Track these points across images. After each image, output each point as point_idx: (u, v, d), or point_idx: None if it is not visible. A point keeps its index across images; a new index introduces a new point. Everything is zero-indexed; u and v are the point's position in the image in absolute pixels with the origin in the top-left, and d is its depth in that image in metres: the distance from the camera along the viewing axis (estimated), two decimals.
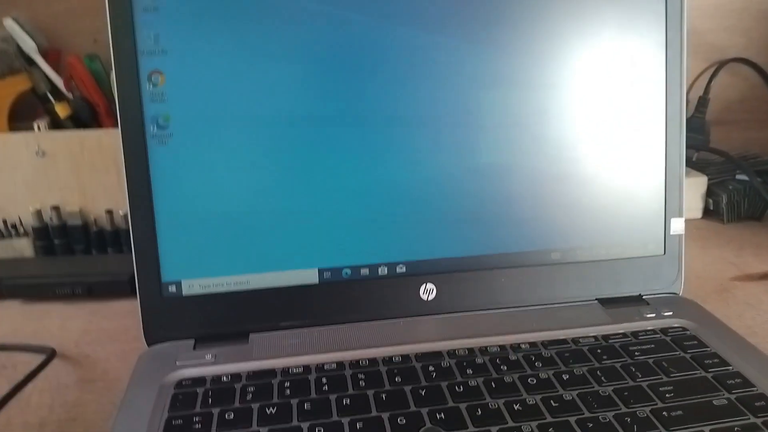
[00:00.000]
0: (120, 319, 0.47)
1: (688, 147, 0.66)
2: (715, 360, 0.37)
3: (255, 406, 0.34)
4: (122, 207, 0.57)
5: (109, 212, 0.57)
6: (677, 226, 0.45)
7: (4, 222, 0.56)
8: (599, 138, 0.43)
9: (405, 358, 0.38)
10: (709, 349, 0.39)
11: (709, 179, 0.65)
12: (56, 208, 0.56)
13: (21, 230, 0.57)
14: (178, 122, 0.39)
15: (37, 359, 0.41)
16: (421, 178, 0.42)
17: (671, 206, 0.45)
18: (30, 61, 0.57)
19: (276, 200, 0.40)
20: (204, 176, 0.40)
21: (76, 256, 0.56)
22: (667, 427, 0.32)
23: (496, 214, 0.43)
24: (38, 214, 0.56)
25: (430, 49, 0.41)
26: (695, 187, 0.64)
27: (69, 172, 0.56)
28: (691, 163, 0.67)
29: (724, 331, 0.41)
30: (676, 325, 0.41)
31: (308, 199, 0.41)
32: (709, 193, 0.65)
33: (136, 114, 0.39)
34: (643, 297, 0.45)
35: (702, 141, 0.68)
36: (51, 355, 0.41)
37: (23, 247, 0.57)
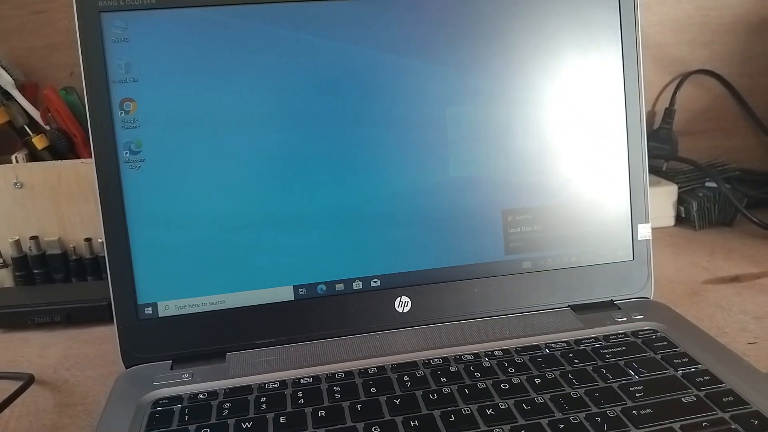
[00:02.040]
0: (99, 344, 0.47)
1: (657, 157, 0.68)
2: (685, 359, 0.38)
3: (231, 421, 0.34)
4: (101, 235, 0.57)
5: (88, 240, 0.57)
6: (644, 231, 0.46)
7: None
8: (563, 149, 0.44)
9: (380, 369, 0.39)
10: (678, 348, 0.39)
11: (679, 187, 0.66)
12: (35, 238, 0.56)
13: (0, 261, 0.57)
14: (150, 147, 0.40)
15: (15, 386, 0.41)
16: (392, 193, 0.43)
17: (637, 212, 0.46)
18: (7, 96, 0.58)
19: (249, 220, 0.41)
20: (177, 199, 0.40)
21: (55, 285, 0.56)
22: (636, 425, 0.32)
23: (466, 225, 0.44)
24: (17, 244, 0.56)
25: (398, 70, 0.42)
26: (666, 196, 0.66)
27: (47, 202, 0.56)
28: (661, 173, 0.68)
29: (694, 332, 0.42)
30: (646, 328, 0.42)
31: (281, 218, 0.42)
32: (680, 201, 0.66)
33: (109, 141, 0.40)
34: (615, 302, 0.46)
35: (670, 151, 0.69)
36: (29, 380, 0.41)
37: (3, 277, 0.57)
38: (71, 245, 0.57)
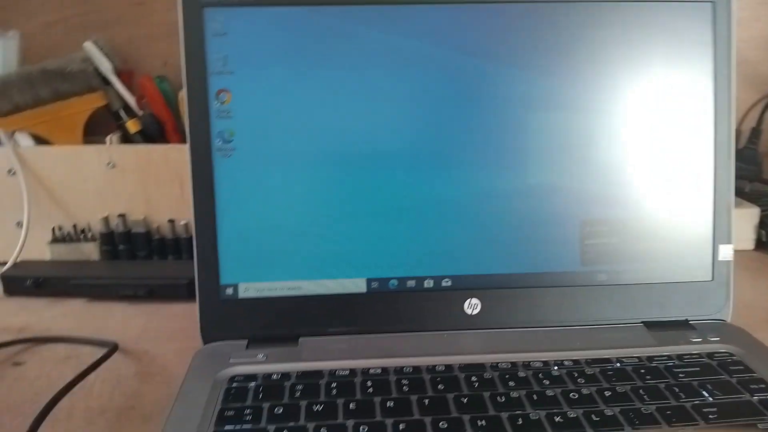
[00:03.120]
0: (178, 320, 0.50)
1: (740, 178, 0.66)
2: (762, 385, 0.37)
3: (303, 403, 0.35)
4: (183, 217, 0.60)
5: (171, 221, 0.60)
6: (726, 252, 0.45)
7: (74, 227, 0.60)
8: (647, 162, 0.44)
9: (448, 367, 0.39)
10: (755, 374, 0.38)
11: (761, 211, 0.64)
12: (122, 216, 0.60)
13: (89, 235, 0.60)
14: (241, 137, 0.42)
15: (100, 352, 0.43)
16: (472, 195, 0.43)
17: (720, 232, 0.45)
18: (105, 81, 0.61)
19: (329, 212, 0.43)
20: (263, 187, 0.42)
21: (138, 261, 0.59)
22: None
23: (543, 233, 0.44)
24: (106, 220, 0.60)
25: (484, 73, 0.42)
26: (748, 218, 0.64)
27: (136, 183, 0.59)
28: (743, 194, 0.66)
29: None
30: (722, 350, 0.41)
31: (360, 212, 0.43)
32: (762, 224, 0.64)
33: (203, 129, 0.41)
34: (690, 322, 0.45)
35: (754, 172, 0.67)
36: (113, 348, 0.44)
37: (90, 250, 0.60)
38: (155, 225, 0.60)
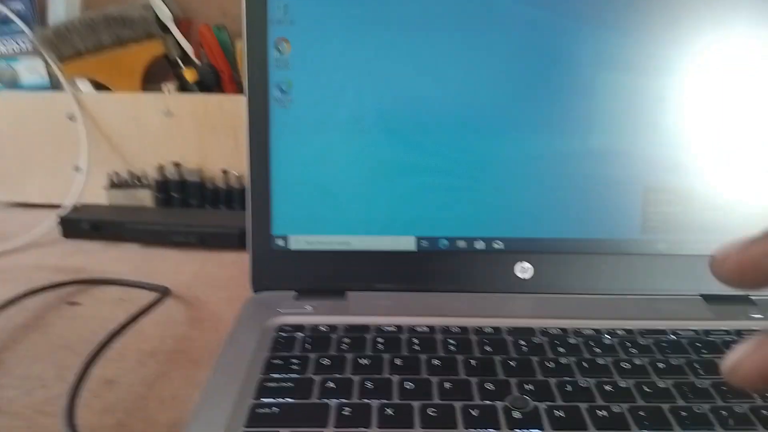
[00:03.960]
0: (228, 269, 0.50)
1: None
2: None
3: (349, 356, 0.35)
4: (237, 168, 0.60)
5: (225, 172, 0.60)
6: None
7: (130, 173, 0.61)
8: (718, 129, 0.42)
9: (496, 330, 0.38)
10: None
11: None
12: (177, 165, 0.60)
13: (144, 182, 0.61)
14: (299, 89, 0.41)
15: (153, 296, 0.44)
16: (530, 156, 0.42)
17: None
18: (164, 29, 0.61)
19: (382, 169, 0.42)
20: (317, 141, 0.42)
21: (191, 209, 0.60)
22: (766, 426, 0.31)
23: (603, 198, 0.42)
24: (161, 168, 0.61)
25: (551, 31, 0.40)
26: None
27: (191, 133, 0.60)
28: None
29: None
30: None
31: (413, 169, 0.42)
32: None
33: (261, 78, 0.41)
34: (751, 297, 0.43)
35: None
36: (165, 292, 0.44)
37: (144, 197, 0.61)
38: (209, 175, 0.61)
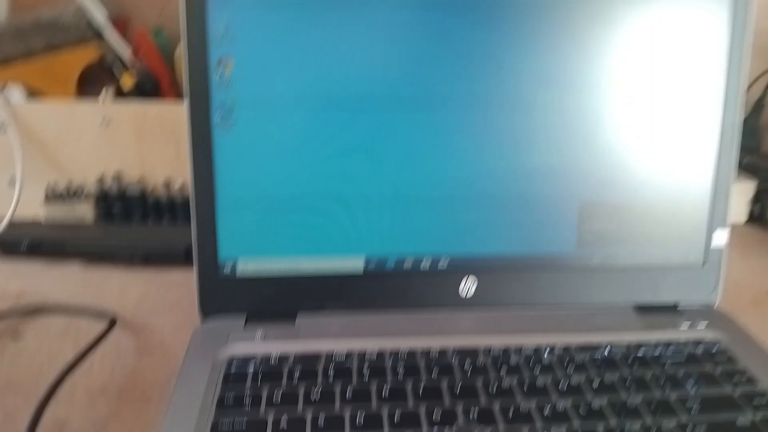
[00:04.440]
0: (175, 289, 0.50)
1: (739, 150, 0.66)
2: (744, 377, 0.38)
3: (300, 390, 0.36)
4: (179, 178, 0.59)
5: (167, 183, 0.59)
6: (720, 237, 0.45)
7: (68, 186, 0.60)
8: (651, 146, 0.43)
9: (442, 351, 0.40)
10: (738, 365, 0.40)
11: (757, 184, 0.64)
12: (117, 176, 0.59)
13: (83, 195, 0.60)
14: (242, 109, 0.41)
15: (99, 325, 0.44)
16: (471, 175, 0.43)
17: (716, 218, 0.45)
18: (99, 32, 0.59)
19: (328, 191, 0.42)
20: (264, 162, 0.42)
21: (134, 224, 0.59)
22: None
23: (541, 214, 0.44)
24: (100, 181, 0.59)
25: (493, 47, 0.41)
26: (742, 192, 0.64)
27: (131, 142, 0.58)
28: (740, 167, 0.66)
29: (756, 348, 0.42)
30: (708, 338, 0.42)
31: (359, 191, 0.42)
32: (756, 198, 0.64)
33: (203, 99, 0.40)
34: (679, 307, 0.46)
35: (753, 144, 0.67)
36: (112, 323, 0.44)
37: (84, 211, 0.60)
38: (150, 185, 0.60)
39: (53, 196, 0.60)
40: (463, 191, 0.43)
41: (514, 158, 0.43)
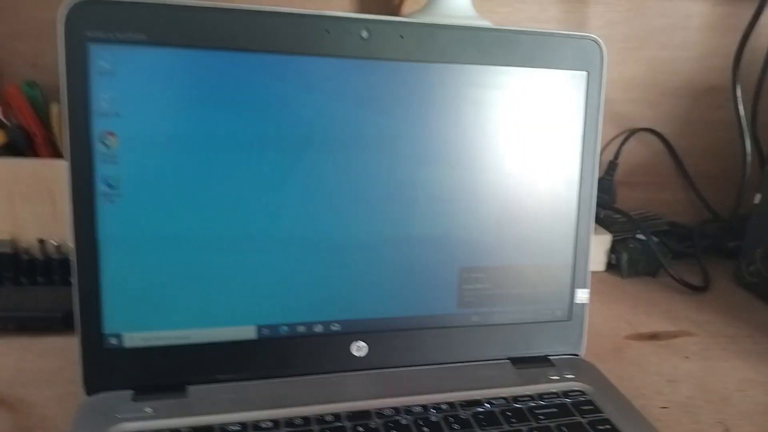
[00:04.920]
0: (53, 358, 0.48)
1: (597, 205, 0.73)
2: (607, 426, 0.43)
3: None
4: (56, 236, 0.57)
5: (41, 241, 0.56)
6: (582, 295, 0.50)
7: None
8: (521, 214, 0.48)
9: (336, 417, 0.41)
10: (603, 414, 0.44)
11: (612, 236, 0.71)
12: None
13: None
14: (128, 183, 0.40)
15: None
16: (357, 243, 0.45)
17: (578, 278, 0.50)
18: None
19: (217, 260, 0.43)
20: (150, 235, 0.41)
21: (6, 287, 0.55)
22: None
23: (425, 278, 0.47)
24: None
25: (376, 127, 0.44)
26: (600, 243, 0.71)
27: (1, 200, 0.55)
28: (598, 220, 0.73)
29: (616, 396, 0.46)
30: (576, 389, 0.47)
31: (249, 261, 0.43)
32: (613, 248, 0.72)
33: (86, 172, 0.40)
34: (549, 357, 0.50)
35: (609, 200, 0.74)
36: None
37: None
38: (23, 245, 0.57)
39: None
40: (352, 259, 0.45)
41: (399, 229, 0.46)
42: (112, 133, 0.40)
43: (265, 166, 0.43)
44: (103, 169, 0.40)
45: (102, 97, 0.40)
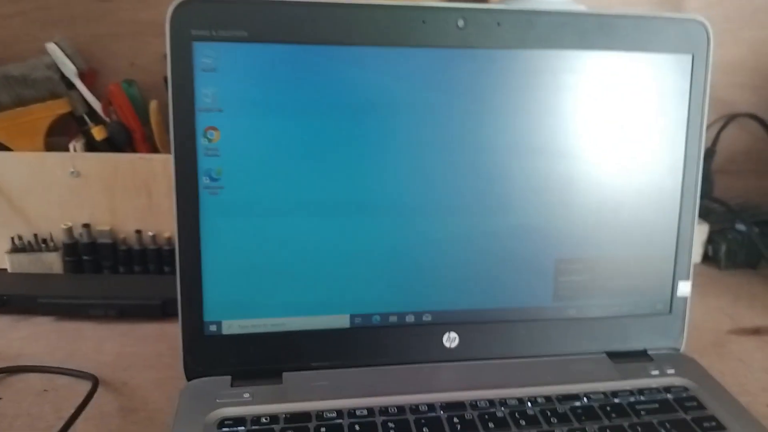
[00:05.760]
0: (152, 344, 0.49)
1: None
2: (713, 423, 0.40)
3: None
4: (152, 228, 0.59)
5: (138, 232, 0.59)
6: (684, 288, 0.48)
7: (35, 236, 0.58)
8: (620, 204, 0.46)
9: (431, 407, 0.41)
10: (707, 410, 0.42)
11: (710, 227, 0.68)
12: (87, 226, 0.58)
13: (51, 245, 0.58)
14: (229, 175, 0.41)
15: (79, 385, 0.43)
16: (454, 235, 0.44)
17: (680, 269, 0.48)
18: (69, 84, 0.59)
19: (315, 250, 0.43)
20: (250, 226, 0.42)
21: (106, 276, 0.58)
22: None
23: (520, 270, 0.45)
24: (69, 230, 0.58)
25: (469, 119, 0.43)
26: (697, 234, 0.67)
27: (101, 193, 0.58)
28: None
29: (721, 393, 0.44)
30: (677, 384, 0.45)
31: (345, 251, 0.43)
32: (709, 240, 0.68)
33: (190, 166, 0.41)
34: (648, 352, 0.48)
35: (706, 189, 0.70)
36: (95, 384, 0.43)
37: (52, 261, 0.58)
38: (121, 236, 0.59)
39: (19, 247, 0.58)
40: (446, 249, 0.44)
41: (495, 220, 0.45)
42: (214, 128, 0.41)
43: (363, 160, 0.43)
44: (205, 162, 0.41)
45: (205, 93, 0.40)
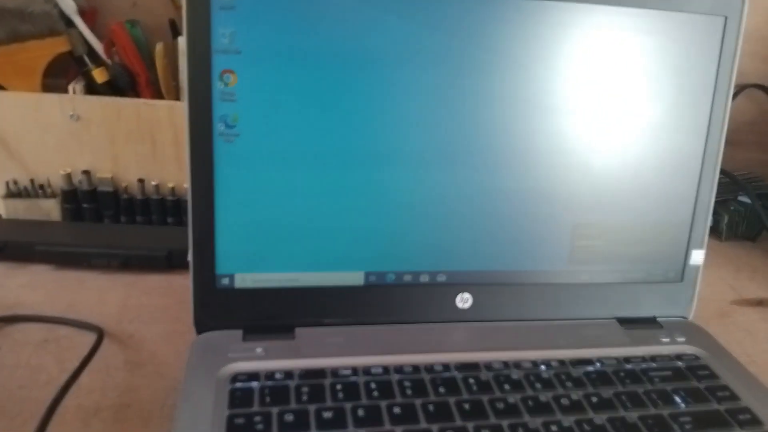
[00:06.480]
0: (158, 296, 0.48)
1: None
2: (726, 393, 0.41)
3: (311, 408, 0.36)
4: (155, 177, 0.57)
5: (141, 181, 0.57)
6: (697, 257, 0.48)
7: (32, 182, 0.56)
8: (640, 170, 0.45)
9: (446, 367, 0.40)
10: (720, 380, 0.42)
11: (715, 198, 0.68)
12: (87, 173, 0.56)
13: (48, 191, 0.56)
14: (245, 123, 0.40)
15: (80, 336, 0.42)
16: (470, 194, 0.43)
17: (695, 238, 0.47)
18: (69, 23, 0.56)
19: (330, 206, 0.42)
20: (265, 177, 0.41)
21: (107, 225, 0.56)
22: None
23: (536, 233, 0.45)
24: (68, 177, 0.56)
25: (489, 75, 0.42)
26: None
27: (103, 139, 0.56)
28: None
29: (731, 362, 0.44)
30: (688, 352, 0.45)
31: (360, 207, 0.42)
32: (714, 212, 0.68)
33: (205, 111, 0.39)
34: (657, 319, 0.48)
35: None
36: (100, 336, 0.42)
37: (50, 207, 0.56)
38: (123, 184, 0.57)
39: (14, 192, 0.56)
40: (463, 209, 0.43)
41: (513, 180, 0.44)
42: (231, 71, 0.39)
43: (384, 113, 0.41)
44: (221, 108, 0.39)
45: (222, 32, 0.38)
